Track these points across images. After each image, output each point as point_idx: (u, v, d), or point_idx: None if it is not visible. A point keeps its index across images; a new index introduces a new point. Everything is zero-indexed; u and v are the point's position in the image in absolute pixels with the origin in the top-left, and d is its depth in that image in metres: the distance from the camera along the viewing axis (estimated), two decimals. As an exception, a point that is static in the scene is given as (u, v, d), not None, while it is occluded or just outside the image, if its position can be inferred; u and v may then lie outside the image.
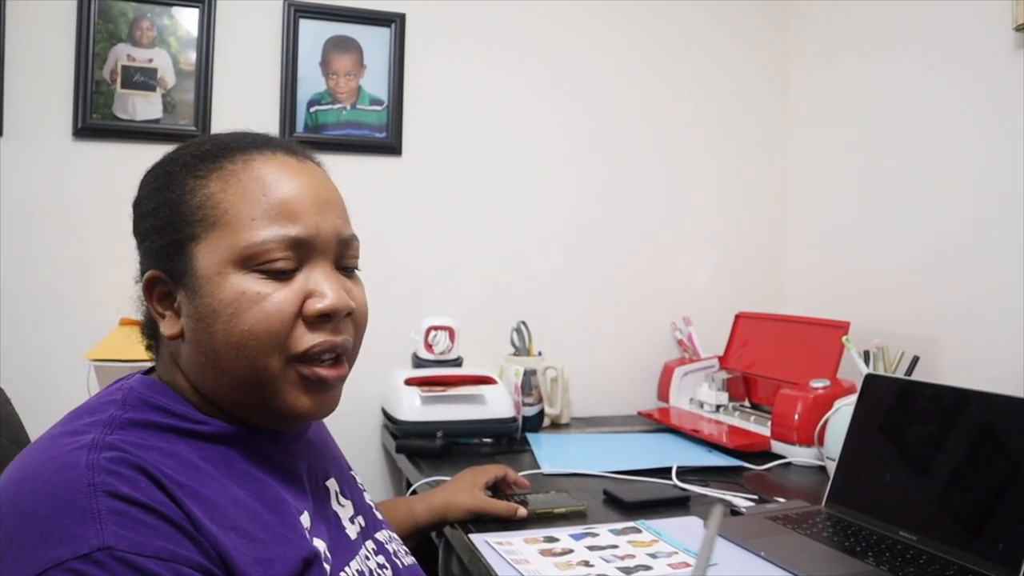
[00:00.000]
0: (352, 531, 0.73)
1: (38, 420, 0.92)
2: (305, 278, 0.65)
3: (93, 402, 0.64)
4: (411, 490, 1.31)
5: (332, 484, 0.75)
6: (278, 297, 0.63)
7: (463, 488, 1.08)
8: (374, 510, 0.82)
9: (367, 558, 0.72)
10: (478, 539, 1.00)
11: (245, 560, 0.56)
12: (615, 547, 0.97)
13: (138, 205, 0.69)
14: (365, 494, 0.83)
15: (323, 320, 0.65)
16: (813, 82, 1.97)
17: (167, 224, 0.65)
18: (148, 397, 0.63)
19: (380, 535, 0.79)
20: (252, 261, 0.63)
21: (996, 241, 1.45)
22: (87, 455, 0.54)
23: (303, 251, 0.65)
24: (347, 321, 0.67)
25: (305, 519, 0.65)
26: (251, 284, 0.62)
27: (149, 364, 0.72)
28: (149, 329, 0.70)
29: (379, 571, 0.72)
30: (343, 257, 0.69)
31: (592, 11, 1.90)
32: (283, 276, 0.64)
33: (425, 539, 1.11)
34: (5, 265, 1.53)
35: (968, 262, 1.51)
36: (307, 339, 0.64)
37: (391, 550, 0.78)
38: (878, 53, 1.74)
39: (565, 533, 1.02)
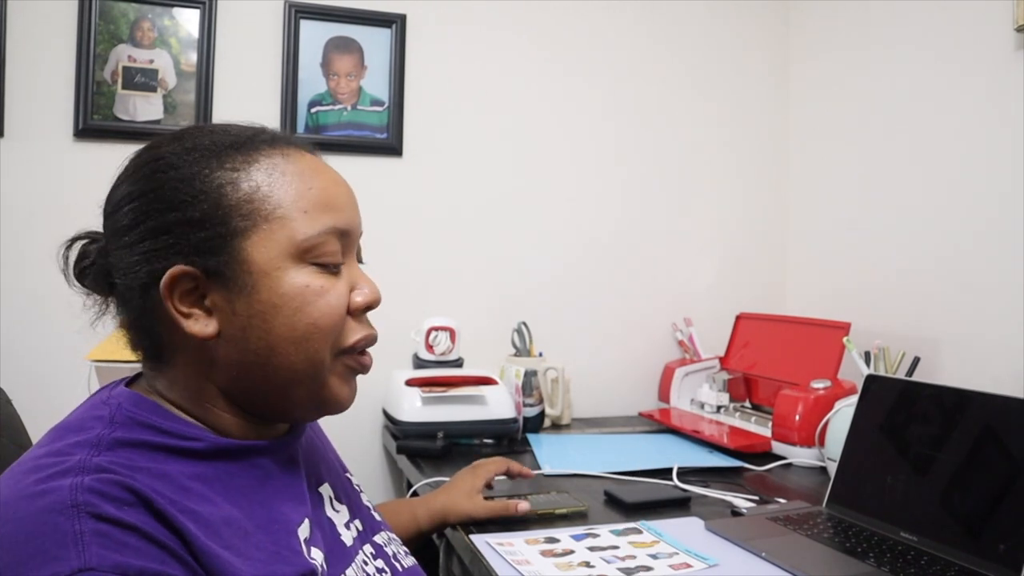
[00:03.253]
0: (348, 537, 0.72)
1: (38, 420, 0.91)
2: (347, 271, 0.66)
3: (77, 418, 0.61)
4: (412, 491, 1.31)
5: (326, 490, 0.74)
6: (338, 290, 0.64)
7: (462, 493, 1.06)
8: (372, 511, 0.81)
9: (365, 563, 0.71)
10: (479, 540, 1.00)
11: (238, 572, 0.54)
12: (616, 548, 0.97)
13: (146, 195, 0.62)
14: (362, 495, 0.82)
15: (365, 311, 0.67)
16: (814, 83, 1.97)
17: (207, 217, 0.61)
18: (136, 415, 0.60)
19: (379, 538, 0.78)
20: (309, 254, 0.63)
21: (997, 242, 1.45)
22: (72, 478, 0.52)
23: (345, 244, 0.66)
24: None
25: (304, 529, 0.63)
26: (312, 278, 0.63)
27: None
28: (147, 337, 0.64)
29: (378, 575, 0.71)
30: (359, 251, 0.71)
31: (593, 13, 1.91)
32: (334, 269, 0.65)
33: (426, 539, 1.10)
34: (5, 265, 1.53)
35: (969, 263, 1.51)
36: (356, 332, 0.66)
37: (390, 552, 0.77)
38: (879, 54, 1.74)
39: (566, 534, 1.01)
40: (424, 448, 1.43)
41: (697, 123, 2.00)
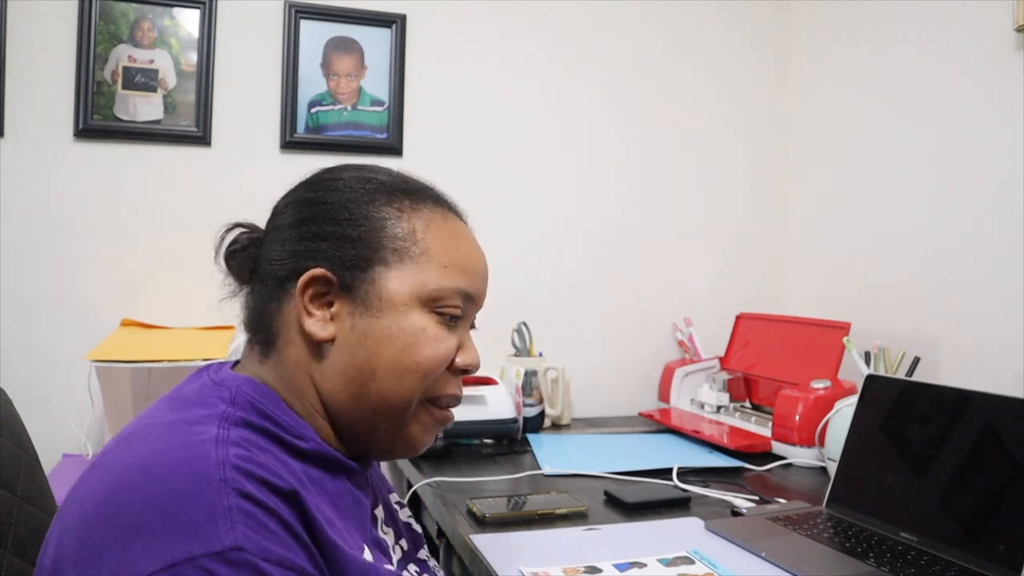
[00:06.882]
0: (395, 558, 0.74)
1: (39, 420, 0.92)
2: (460, 332, 0.70)
3: (196, 392, 0.63)
4: (411, 491, 1.31)
5: (379, 512, 0.75)
6: (449, 343, 0.68)
7: None
8: (413, 526, 0.82)
9: None
10: (479, 539, 1.00)
11: (351, 567, 0.57)
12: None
13: (315, 204, 0.68)
14: (402, 511, 0.82)
15: (463, 373, 0.71)
16: (814, 83, 1.97)
17: (362, 239, 0.66)
18: (255, 400, 0.62)
19: (421, 553, 0.79)
20: (435, 303, 0.67)
21: (996, 241, 1.45)
22: (216, 450, 0.53)
23: (467, 307, 0.70)
24: None
25: (366, 554, 0.64)
26: (430, 324, 0.67)
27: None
28: (264, 324, 0.68)
29: None
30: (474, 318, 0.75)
31: (593, 12, 1.91)
32: (451, 324, 0.69)
33: (426, 539, 1.10)
34: (5, 265, 1.53)
35: (968, 262, 1.51)
36: (449, 386, 0.70)
37: (432, 566, 0.79)
38: (879, 54, 1.74)
39: (609, 564, 0.92)
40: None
41: (697, 123, 2.00)
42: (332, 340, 0.65)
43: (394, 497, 0.84)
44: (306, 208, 0.68)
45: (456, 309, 0.68)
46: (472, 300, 0.71)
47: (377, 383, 0.65)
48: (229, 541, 0.49)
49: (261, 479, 0.53)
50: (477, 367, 0.72)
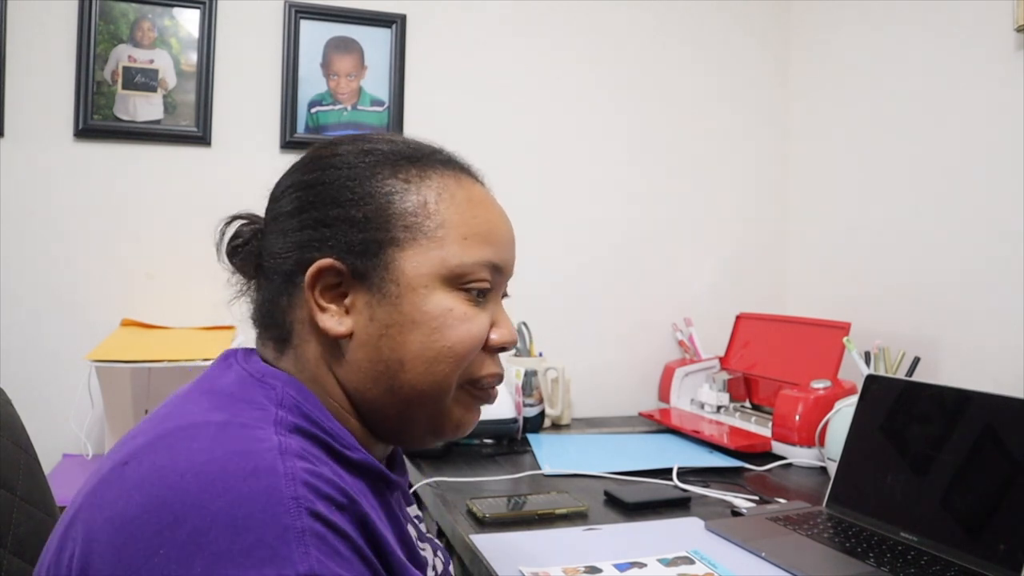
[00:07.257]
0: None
1: (39, 420, 0.92)
2: (491, 306, 0.65)
3: (238, 388, 0.58)
4: (411, 491, 1.31)
5: (411, 530, 0.70)
6: (480, 320, 0.63)
7: None
8: (435, 539, 0.78)
9: None
10: (480, 539, 1.00)
11: None
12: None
13: (313, 186, 0.63)
14: (422, 524, 0.78)
15: (499, 350, 0.66)
16: (814, 83, 1.97)
17: (369, 219, 0.61)
18: (301, 404, 0.57)
19: (450, 569, 0.77)
20: (460, 280, 0.62)
21: (996, 241, 1.45)
22: (282, 462, 0.49)
23: (496, 279, 0.65)
24: None
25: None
26: (457, 303, 0.62)
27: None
28: (276, 321, 0.63)
29: None
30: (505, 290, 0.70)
31: (594, 13, 1.91)
32: (480, 299, 0.63)
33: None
34: (5, 265, 1.53)
35: (968, 262, 1.51)
36: (487, 366, 0.65)
37: None
38: (879, 54, 1.74)
39: (609, 564, 0.92)
40: (424, 448, 1.43)
41: (697, 123, 2.00)
42: (351, 334, 0.60)
43: (413, 510, 0.79)
44: (304, 192, 0.63)
45: (484, 283, 0.63)
46: (500, 270, 0.65)
47: (407, 374, 0.60)
48: (304, 568, 0.45)
49: (329, 497, 0.49)
50: (514, 343, 0.67)
